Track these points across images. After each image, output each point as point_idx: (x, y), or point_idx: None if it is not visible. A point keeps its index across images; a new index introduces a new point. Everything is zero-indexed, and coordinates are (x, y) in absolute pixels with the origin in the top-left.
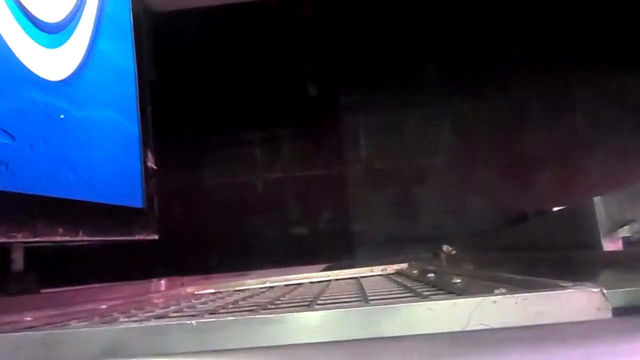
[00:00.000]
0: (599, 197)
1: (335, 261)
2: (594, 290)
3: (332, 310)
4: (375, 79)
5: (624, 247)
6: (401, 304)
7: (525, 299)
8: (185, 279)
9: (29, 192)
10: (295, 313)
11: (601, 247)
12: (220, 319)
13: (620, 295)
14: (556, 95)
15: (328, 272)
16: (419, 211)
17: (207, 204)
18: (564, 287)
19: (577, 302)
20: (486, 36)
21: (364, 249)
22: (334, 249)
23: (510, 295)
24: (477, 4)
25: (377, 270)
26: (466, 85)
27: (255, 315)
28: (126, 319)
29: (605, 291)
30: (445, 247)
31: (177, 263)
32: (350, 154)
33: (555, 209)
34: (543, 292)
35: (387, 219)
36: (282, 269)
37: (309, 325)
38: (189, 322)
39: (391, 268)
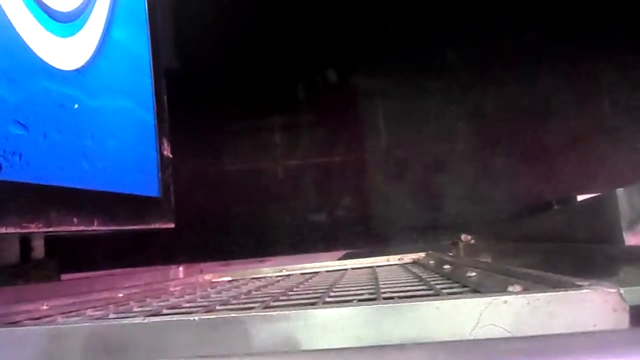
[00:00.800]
0: (621, 189)
1: (354, 248)
2: (611, 290)
3: (337, 309)
4: (396, 64)
5: None
6: (409, 303)
7: (538, 299)
8: (204, 265)
9: (43, 183)
10: (299, 310)
11: (623, 241)
12: (222, 316)
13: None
14: (581, 81)
15: (345, 261)
16: (439, 198)
17: (227, 190)
18: (579, 287)
19: (592, 302)
20: (508, 21)
21: (383, 236)
22: (353, 236)
23: (522, 296)
24: None
25: (394, 259)
26: (488, 71)
27: (258, 312)
28: (139, 309)
29: (622, 291)
30: (463, 237)
31: (197, 249)
32: (370, 141)
33: (579, 197)
34: (556, 293)
35: (407, 206)
36: (301, 256)
37: (313, 323)
38: (191, 318)
39: (408, 257)
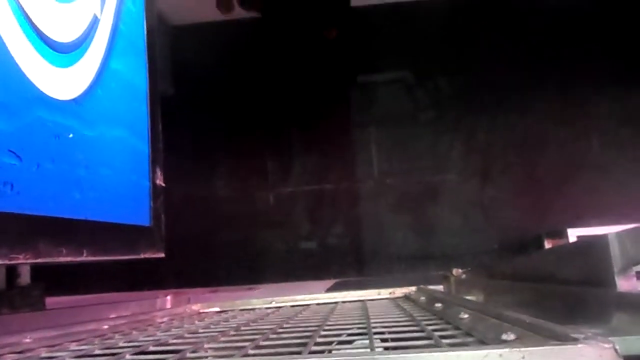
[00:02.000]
0: (613, 233)
1: (344, 277)
2: (606, 346)
3: (329, 359)
4: (388, 94)
5: (639, 287)
6: (405, 355)
7: (532, 354)
8: (192, 293)
9: (34, 213)
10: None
11: (615, 286)
12: None
13: (633, 343)
14: (571, 116)
15: (335, 294)
16: (430, 228)
17: (217, 216)
18: (574, 340)
19: (587, 358)
20: (501, 54)
21: (373, 265)
22: (343, 264)
23: (517, 349)
24: (492, 22)
25: (385, 293)
26: (479, 103)
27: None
28: (125, 344)
29: (617, 346)
30: (454, 271)
31: (185, 275)
32: (362, 170)
33: (569, 230)
34: (552, 347)
35: (398, 235)
36: (291, 284)
37: None
38: None
39: (399, 291)
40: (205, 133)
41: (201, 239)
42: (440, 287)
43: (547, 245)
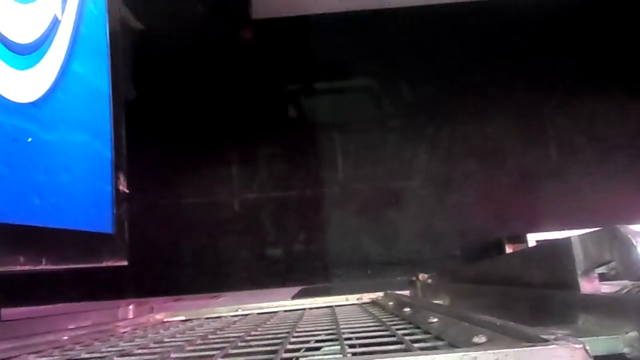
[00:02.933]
0: (576, 236)
1: (310, 283)
2: (577, 346)
3: None
4: (353, 101)
5: (601, 289)
6: (378, 359)
7: (506, 355)
8: (154, 302)
9: None
10: None
11: (578, 288)
12: None
13: (600, 343)
14: (529, 123)
15: (302, 300)
16: (394, 234)
17: (181, 223)
18: (545, 342)
19: (560, 358)
20: (463, 63)
21: (339, 271)
22: (310, 271)
23: (490, 351)
24: (456, 33)
25: (353, 298)
26: (442, 111)
27: None
28: (88, 355)
29: (587, 347)
30: (421, 276)
31: (147, 283)
32: (327, 176)
33: (528, 235)
34: (524, 349)
35: (363, 241)
36: (256, 292)
37: None
38: None
39: (366, 297)
40: (168, 139)
41: (163, 246)
42: (407, 292)
43: (508, 249)
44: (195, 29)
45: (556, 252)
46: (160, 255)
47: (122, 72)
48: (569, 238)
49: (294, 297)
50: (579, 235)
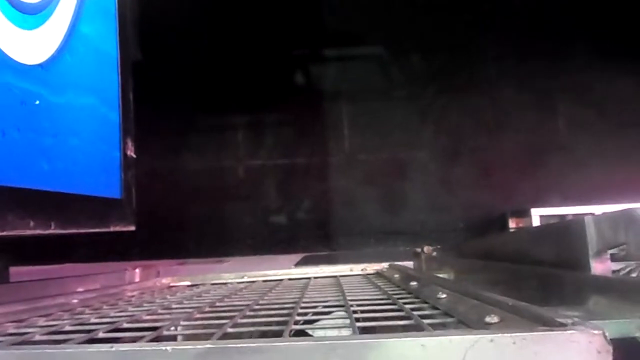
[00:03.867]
0: (590, 217)
1: (313, 251)
2: (595, 332)
3: (317, 343)
4: (362, 69)
5: (612, 271)
6: (392, 339)
7: (524, 339)
8: (160, 265)
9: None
10: (277, 343)
11: (589, 269)
12: (197, 347)
13: (612, 326)
14: (538, 99)
15: (307, 269)
16: (399, 205)
17: (187, 188)
18: (563, 326)
19: (578, 344)
20: (475, 35)
21: (342, 240)
22: (313, 239)
23: (508, 335)
24: (468, 6)
25: (357, 269)
26: (452, 82)
27: (232, 344)
28: (97, 320)
29: (606, 333)
30: (425, 248)
31: (152, 247)
32: (333, 144)
33: (532, 210)
34: (542, 333)
35: (368, 211)
36: (260, 257)
37: (291, 357)
38: (163, 348)
39: (371, 267)
40: (174, 103)
41: (169, 210)
42: (410, 264)
43: (512, 224)
44: None
45: (569, 232)
46: (166, 220)
47: (129, 34)
48: (582, 218)
49: (297, 265)
50: (593, 216)
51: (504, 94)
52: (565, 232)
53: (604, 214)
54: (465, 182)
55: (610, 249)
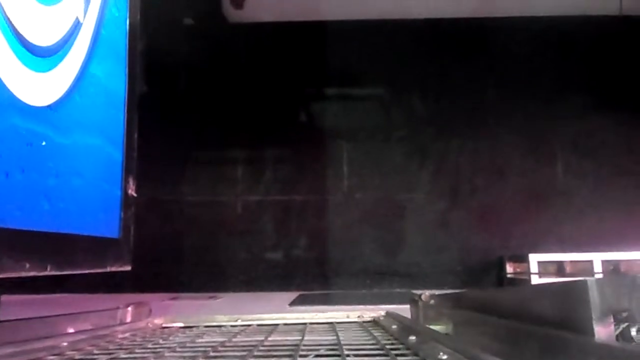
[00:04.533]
0: (593, 279)
1: (308, 290)
2: None
3: None
4: (363, 109)
5: (615, 336)
6: None
7: None
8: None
9: None
10: None
11: (592, 333)
12: None
13: None
14: (537, 144)
15: (303, 314)
16: (396, 245)
17: (183, 220)
18: None
19: None
20: (475, 80)
21: (338, 279)
22: (308, 277)
23: None
24: (468, 51)
25: (354, 316)
26: (451, 125)
27: None
28: None
29: None
30: (423, 296)
31: (146, 278)
32: (332, 183)
33: (530, 255)
34: None
35: (365, 250)
36: (254, 294)
37: None
38: None
39: (368, 314)
40: (175, 136)
41: (165, 242)
42: (406, 307)
43: (509, 268)
44: (204, 28)
45: (571, 293)
46: (161, 252)
47: (138, 73)
48: (585, 281)
49: (291, 304)
50: (595, 279)
51: (503, 138)
52: (567, 293)
53: (606, 277)
54: (463, 225)
55: (615, 314)
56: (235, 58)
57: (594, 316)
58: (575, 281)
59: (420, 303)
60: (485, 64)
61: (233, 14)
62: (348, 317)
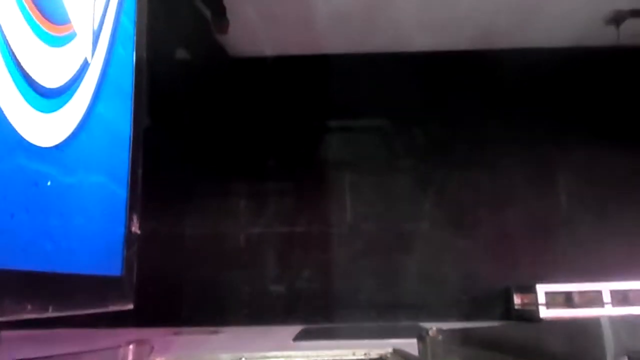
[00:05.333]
0: (606, 317)
1: (312, 323)
2: None
3: None
4: (365, 140)
5: None
6: None
7: None
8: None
9: (1, 267)
10: None
11: None
12: None
13: None
14: (540, 174)
15: (308, 352)
16: (400, 277)
17: (185, 254)
18: None
19: None
20: (476, 110)
21: (342, 312)
22: (312, 310)
23: None
24: (469, 80)
25: (360, 353)
26: (453, 156)
27: None
28: None
29: None
30: (431, 331)
31: (148, 311)
32: (335, 214)
33: (537, 285)
34: None
35: (368, 282)
36: (257, 328)
37: None
38: None
39: (374, 352)
40: (177, 168)
41: (167, 276)
42: (413, 341)
43: (517, 300)
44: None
45: (584, 332)
46: (163, 285)
47: (143, 111)
48: (598, 319)
49: (295, 339)
50: (609, 317)
51: (505, 168)
52: (580, 331)
53: (620, 315)
54: (468, 255)
55: (628, 354)
56: (236, 91)
57: (608, 356)
58: (588, 319)
59: (427, 339)
60: (484, 95)
61: (234, 49)
62: (354, 354)
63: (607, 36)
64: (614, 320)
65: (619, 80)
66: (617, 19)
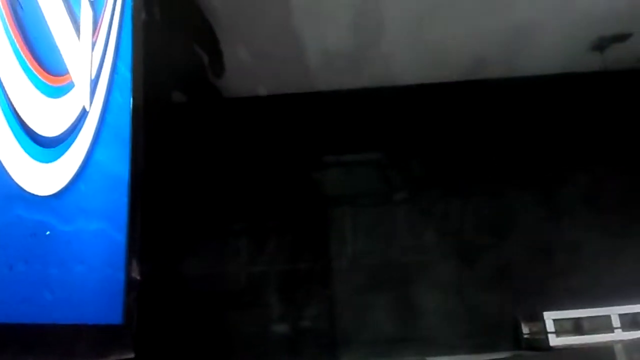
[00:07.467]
0: (619, 344)
1: None
2: None
3: None
4: (362, 174)
5: None
6: None
7: None
8: None
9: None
10: None
11: None
12: None
13: None
14: (540, 199)
15: None
16: (406, 310)
17: (186, 295)
18: None
19: None
20: (473, 140)
21: (348, 349)
22: (317, 348)
23: None
24: (465, 110)
25: None
26: (453, 185)
27: None
28: None
29: None
30: None
31: (150, 356)
32: (337, 249)
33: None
34: None
35: (374, 317)
36: None
37: None
38: None
39: None
40: (176, 208)
41: (168, 317)
42: None
43: (525, 329)
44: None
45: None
46: (166, 328)
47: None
48: (611, 347)
49: None
50: (622, 344)
51: (504, 195)
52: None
53: (632, 339)
54: (473, 285)
55: None
56: (232, 131)
57: None
58: (600, 346)
59: None
60: (479, 124)
61: (228, 90)
62: None
63: (592, 63)
64: (628, 346)
65: (608, 104)
66: (601, 45)
